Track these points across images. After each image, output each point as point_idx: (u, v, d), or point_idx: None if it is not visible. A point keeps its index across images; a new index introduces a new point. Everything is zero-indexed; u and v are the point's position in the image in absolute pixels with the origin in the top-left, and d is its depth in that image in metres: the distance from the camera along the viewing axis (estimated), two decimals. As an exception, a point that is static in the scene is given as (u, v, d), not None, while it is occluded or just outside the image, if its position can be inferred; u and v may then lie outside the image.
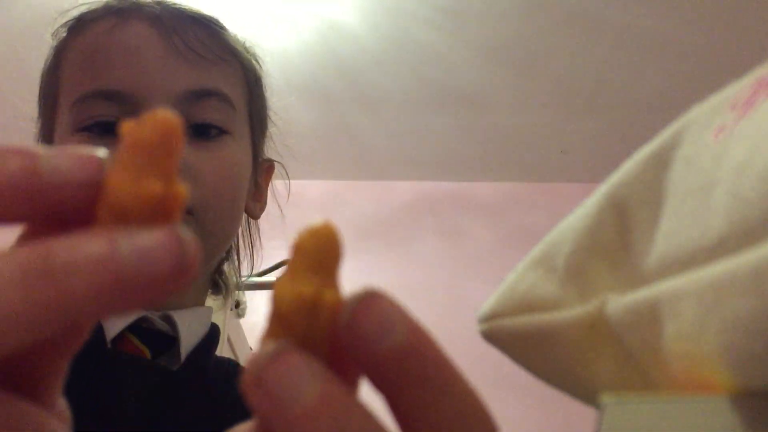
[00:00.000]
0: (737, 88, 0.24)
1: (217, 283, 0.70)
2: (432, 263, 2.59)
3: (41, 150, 0.18)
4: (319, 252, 0.19)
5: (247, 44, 0.69)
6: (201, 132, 0.59)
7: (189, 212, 0.56)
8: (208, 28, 0.63)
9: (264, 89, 0.72)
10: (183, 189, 0.19)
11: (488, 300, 0.29)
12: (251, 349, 1.04)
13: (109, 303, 0.17)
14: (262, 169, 0.71)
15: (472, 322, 0.30)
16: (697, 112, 0.25)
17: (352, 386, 0.20)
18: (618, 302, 0.24)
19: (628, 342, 0.24)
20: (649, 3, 1.97)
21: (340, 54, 2.16)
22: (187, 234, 0.18)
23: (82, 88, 0.59)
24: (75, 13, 0.64)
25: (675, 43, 2.09)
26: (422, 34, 2.09)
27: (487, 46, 2.13)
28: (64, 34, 0.65)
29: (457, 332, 2.46)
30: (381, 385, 0.19)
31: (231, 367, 0.64)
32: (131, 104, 0.58)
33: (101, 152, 0.19)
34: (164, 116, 0.19)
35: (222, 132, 0.60)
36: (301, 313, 0.19)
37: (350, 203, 2.69)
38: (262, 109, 0.70)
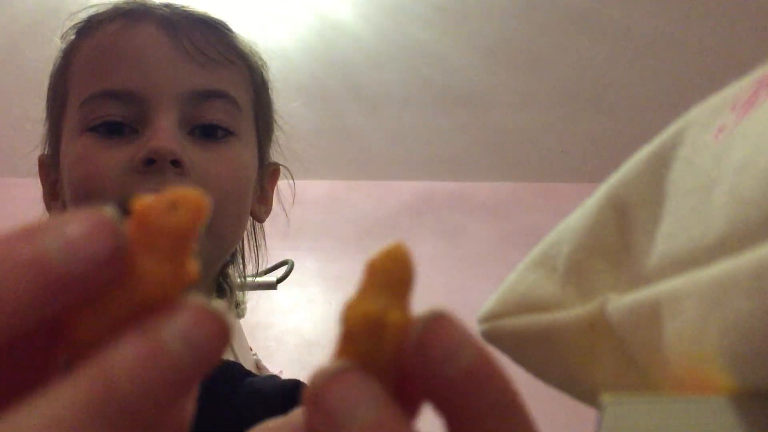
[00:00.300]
0: (737, 88, 0.24)
1: (221, 285, 0.70)
2: (432, 263, 2.59)
3: (45, 228, 0.17)
4: (389, 273, 0.19)
5: (254, 47, 0.69)
6: (207, 133, 0.59)
7: None
8: (216, 31, 0.63)
9: (270, 93, 0.72)
10: (195, 268, 0.19)
11: (488, 300, 0.29)
12: (251, 349, 1.04)
13: (48, 303, 0.16)
14: (267, 173, 0.71)
15: (472, 322, 0.30)
16: (698, 112, 0.25)
17: (414, 410, 0.20)
18: (618, 302, 0.24)
19: (628, 342, 0.24)
20: (649, 3, 1.97)
21: (340, 53, 2.15)
22: (111, 215, 0.17)
23: (90, 88, 0.59)
24: (84, 15, 0.65)
25: (675, 43, 2.09)
26: (422, 33, 2.09)
27: (487, 46, 2.13)
28: (73, 36, 0.65)
29: (457, 332, 2.46)
30: (444, 408, 0.19)
31: (234, 368, 0.64)
32: (138, 104, 0.58)
33: (109, 213, 0.17)
34: (197, 201, 0.18)
35: (228, 133, 0.60)
36: (367, 332, 0.18)
37: (350, 203, 2.69)
38: (268, 112, 0.71)
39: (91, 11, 0.64)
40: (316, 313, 2.49)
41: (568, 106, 2.36)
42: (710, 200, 0.21)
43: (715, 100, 0.25)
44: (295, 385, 0.63)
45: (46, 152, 0.68)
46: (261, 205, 0.70)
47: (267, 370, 0.88)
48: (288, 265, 2.50)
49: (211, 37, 0.62)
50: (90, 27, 0.63)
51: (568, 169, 2.65)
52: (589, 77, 2.24)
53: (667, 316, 0.22)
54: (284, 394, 0.61)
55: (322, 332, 2.47)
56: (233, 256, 0.71)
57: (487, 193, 2.75)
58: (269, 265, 2.31)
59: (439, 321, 0.18)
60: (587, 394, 0.26)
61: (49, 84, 0.66)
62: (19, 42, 2.07)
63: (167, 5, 0.64)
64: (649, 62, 2.16)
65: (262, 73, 0.69)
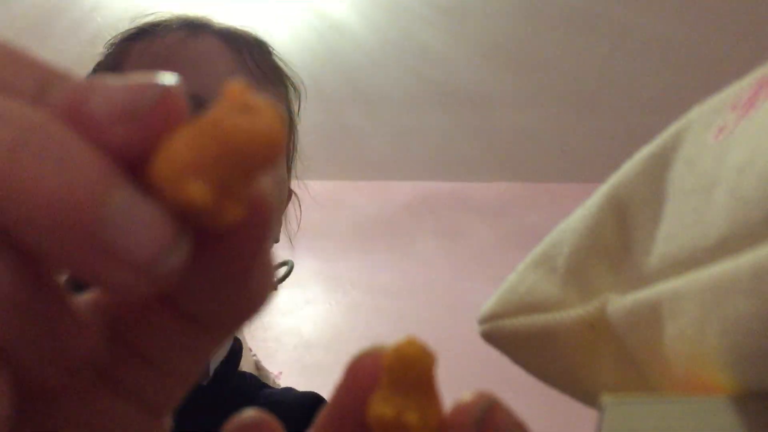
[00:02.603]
0: (738, 88, 0.24)
1: None
2: (432, 263, 2.59)
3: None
4: (403, 371, 0.18)
5: (292, 71, 0.72)
6: None
7: None
8: (266, 51, 0.66)
9: (295, 115, 0.74)
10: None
11: (488, 301, 0.28)
12: (250, 350, 1.04)
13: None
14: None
15: (472, 322, 0.30)
16: (698, 112, 0.25)
17: None
18: (619, 303, 0.24)
19: (628, 342, 0.24)
20: (649, 3, 1.97)
21: (340, 53, 2.15)
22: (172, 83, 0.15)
23: None
24: (139, 22, 0.66)
25: (676, 43, 2.09)
26: (422, 33, 2.09)
27: (487, 45, 2.13)
28: (127, 40, 0.66)
29: (457, 332, 2.46)
30: None
31: (251, 380, 0.64)
32: (199, 107, 0.58)
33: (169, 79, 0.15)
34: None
35: None
36: None
37: (350, 203, 2.69)
38: (294, 137, 0.72)
39: (150, 18, 0.66)
40: (316, 314, 2.49)
41: (568, 106, 2.36)
42: (710, 201, 0.21)
43: (716, 100, 0.25)
44: (313, 399, 0.63)
45: None
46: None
47: (266, 370, 0.88)
48: (288, 265, 2.51)
49: (266, 57, 0.65)
50: (148, 31, 0.65)
51: (568, 169, 2.65)
52: (589, 77, 2.24)
53: (668, 317, 0.22)
54: (303, 408, 0.61)
55: (321, 333, 2.47)
56: None
57: (487, 193, 2.75)
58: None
59: (492, 413, 0.18)
60: (587, 395, 0.26)
61: None
62: (20, 42, 2.07)
63: (218, 22, 0.66)
64: (649, 62, 2.16)
65: (293, 95, 0.72)
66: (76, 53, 0.78)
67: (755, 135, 0.20)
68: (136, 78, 0.15)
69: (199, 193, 0.15)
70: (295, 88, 0.71)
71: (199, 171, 0.15)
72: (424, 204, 2.73)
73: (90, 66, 0.71)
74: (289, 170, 0.70)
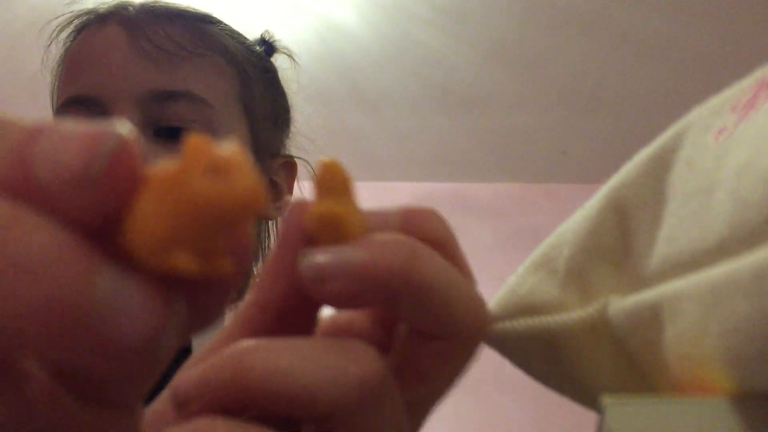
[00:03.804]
0: (738, 90, 0.24)
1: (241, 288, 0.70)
2: (432, 264, 2.59)
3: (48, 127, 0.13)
4: (329, 179, 0.22)
5: (242, 37, 0.66)
6: (173, 133, 0.57)
7: None
8: (184, 24, 0.61)
9: (273, 82, 0.69)
10: (227, 266, 0.16)
11: (488, 302, 0.28)
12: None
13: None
14: (275, 166, 0.69)
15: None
16: (698, 113, 0.25)
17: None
18: (619, 304, 0.24)
19: (629, 344, 0.24)
20: (650, 3, 1.97)
21: (340, 55, 2.15)
22: (120, 129, 0.14)
23: (62, 95, 0.60)
24: (75, 21, 0.65)
25: (676, 44, 2.09)
26: (422, 34, 2.09)
27: (487, 46, 2.13)
28: (72, 34, 0.65)
29: (457, 333, 2.46)
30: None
31: None
32: (100, 108, 0.57)
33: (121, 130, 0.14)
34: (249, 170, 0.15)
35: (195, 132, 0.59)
36: (326, 228, 0.21)
37: (350, 204, 2.68)
38: (266, 101, 0.68)
39: (79, 18, 0.64)
40: (316, 314, 2.49)
41: (568, 106, 2.36)
42: (711, 202, 0.21)
43: (716, 101, 0.25)
44: None
45: None
46: (268, 201, 0.68)
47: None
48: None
49: (178, 32, 0.59)
50: (76, 32, 0.64)
51: (568, 170, 2.65)
52: (589, 77, 2.24)
53: (668, 318, 0.22)
54: None
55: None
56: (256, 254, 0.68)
57: (487, 194, 2.75)
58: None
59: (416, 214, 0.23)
60: (588, 397, 0.26)
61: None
62: (19, 42, 2.07)
63: (141, 4, 0.62)
64: (649, 62, 2.16)
65: (252, 62, 0.66)
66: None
67: (755, 137, 0.20)
68: (79, 131, 0.13)
69: (185, 263, 0.14)
70: (252, 51, 0.66)
71: (181, 240, 0.14)
72: (424, 205, 2.73)
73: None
74: (261, 139, 0.65)
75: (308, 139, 0.75)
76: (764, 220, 0.18)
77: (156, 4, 0.63)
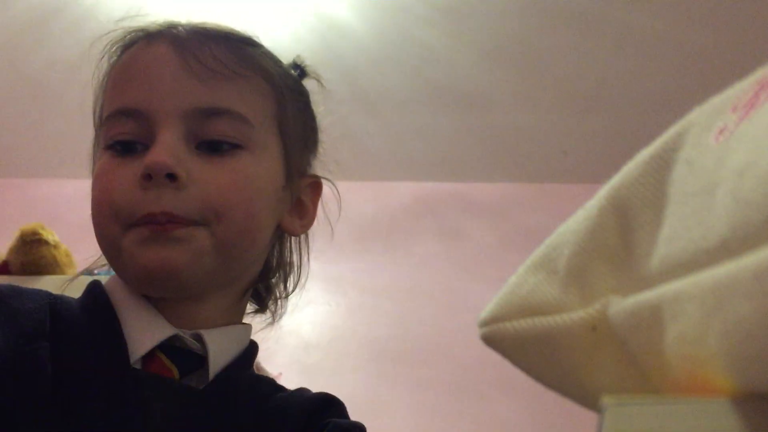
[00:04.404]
0: (739, 90, 0.24)
1: (263, 300, 0.72)
2: (432, 264, 2.59)
3: None
4: None
5: (279, 61, 0.70)
6: (214, 147, 0.60)
7: (199, 224, 0.57)
8: (229, 45, 0.64)
9: (306, 105, 0.73)
10: None
11: (489, 303, 0.28)
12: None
13: None
14: (303, 185, 0.73)
15: (472, 323, 0.30)
16: (699, 113, 0.25)
17: None
18: (620, 305, 0.24)
19: (629, 344, 0.23)
20: (649, 3, 1.97)
21: (340, 54, 2.16)
22: None
23: (109, 108, 0.62)
24: (127, 38, 0.67)
25: (676, 44, 2.09)
26: (422, 33, 2.09)
27: (487, 46, 2.13)
28: (116, 53, 0.67)
29: (456, 334, 2.46)
30: None
31: (266, 386, 0.64)
32: (146, 121, 0.60)
33: None
34: None
35: (234, 146, 0.61)
36: None
37: (350, 204, 2.68)
38: (298, 123, 0.71)
39: (128, 34, 0.66)
40: (316, 315, 2.49)
41: (568, 106, 2.36)
42: (711, 202, 0.21)
43: (716, 101, 0.24)
44: (324, 399, 0.63)
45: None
46: (294, 218, 0.71)
47: (265, 371, 0.88)
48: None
49: (222, 52, 0.63)
50: (124, 47, 0.66)
51: (568, 169, 2.65)
52: (589, 77, 2.24)
53: (669, 319, 0.21)
54: (312, 408, 0.62)
55: (321, 333, 2.47)
56: (270, 269, 0.71)
57: (487, 193, 2.75)
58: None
59: None
60: (588, 397, 0.26)
61: (94, 99, 0.69)
62: (19, 42, 2.07)
63: (189, 24, 0.66)
64: (649, 62, 2.16)
65: (289, 84, 0.70)
66: (75, 53, 0.78)
67: (756, 137, 0.20)
68: None
69: None
70: (290, 74, 0.70)
71: None
72: (423, 204, 2.73)
73: (89, 66, 0.72)
74: (292, 158, 0.69)
75: (335, 161, 0.77)
76: (765, 219, 0.18)
77: (203, 26, 0.66)
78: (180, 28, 0.65)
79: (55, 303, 0.58)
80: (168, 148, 0.57)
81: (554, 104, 2.36)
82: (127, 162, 0.58)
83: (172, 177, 0.56)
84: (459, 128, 2.48)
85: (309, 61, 0.79)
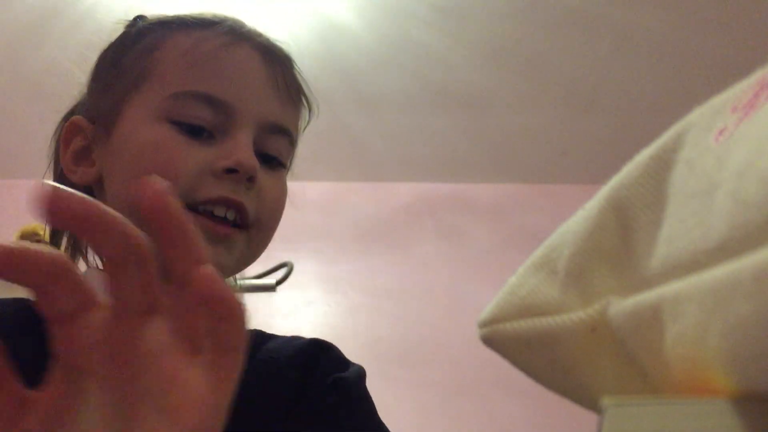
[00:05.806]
0: (738, 90, 0.24)
1: None
2: (432, 265, 2.59)
3: None
4: None
5: (306, 87, 0.74)
6: (266, 160, 0.64)
7: (249, 226, 0.61)
8: (293, 68, 0.70)
9: (300, 131, 0.78)
10: None
11: (489, 304, 0.28)
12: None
13: None
14: None
15: (472, 323, 0.30)
16: (699, 114, 0.25)
17: None
18: (620, 305, 0.24)
19: (629, 345, 0.23)
20: (649, 3, 1.97)
21: (339, 54, 2.15)
22: None
23: (186, 85, 0.63)
24: (179, 13, 0.68)
25: (676, 44, 2.09)
26: (422, 34, 2.09)
27: (487, 46, 2.13)
28: (164, 26, 0.67)
29: (456, 334, 2.46)
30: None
31: (252, 337, 0.65)
32: (227, 115, 0.62)
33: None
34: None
35: (281, 164, 0.66)
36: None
37: (350, 205, 2.69)
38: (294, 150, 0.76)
39: (190, 13, 0.68)
40: (316, 316, 2.49)
41: (568, 106, 2.36)
42: (711, 203, 0.21)
43: (716, 101, 0.24)
44: (315, 344, 0.66)
45: (80, 115, 0.70)
46: None
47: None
48: (287, 267, 2.50)
49: (294, 77, 0.69)
50: (188, 25, 0.67)
51: (568, 170, 2.65)
52: (589, 77, 2.24)
53: (669, 320, 0.21)
54: (304, 354, 0.64)
55: (321, 334, 2.46)
56: None
57: (487, 194, 2.75)
58: (269, 267, 2.31)
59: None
60: (588, 398, 0.26)
61: (116, 56, 0.68)
62: (19, 42, 2.07)
63: (252, 28, 0.69)
64: (649, 62, 2.16)
65: (311, 107, 0.75)
66: (75, 54, 0.77)
67: (756, 137, 0.20)
68: None
69: None
70: (310, 107, 0.75)
71: None
72: (423, 205, 2.73)
73: (88, 65, 0.71)
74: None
75: (308, 139, 0.79)
76: (765, 220, 0.18)
77: (268, 37, 0.70)
78: (260, 36, 0.68)
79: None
80: (251, 150, 0.61)
81: (554, 105, 2.35)
82: (195, 144, 0.60)
83: (251, 179, 0.60)
84: (459, 129, 2.48)
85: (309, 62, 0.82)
